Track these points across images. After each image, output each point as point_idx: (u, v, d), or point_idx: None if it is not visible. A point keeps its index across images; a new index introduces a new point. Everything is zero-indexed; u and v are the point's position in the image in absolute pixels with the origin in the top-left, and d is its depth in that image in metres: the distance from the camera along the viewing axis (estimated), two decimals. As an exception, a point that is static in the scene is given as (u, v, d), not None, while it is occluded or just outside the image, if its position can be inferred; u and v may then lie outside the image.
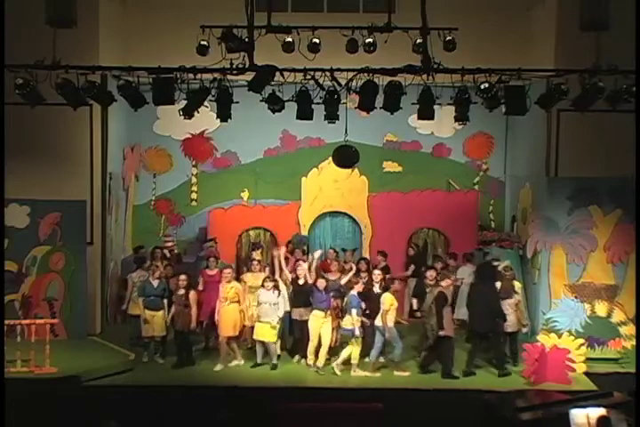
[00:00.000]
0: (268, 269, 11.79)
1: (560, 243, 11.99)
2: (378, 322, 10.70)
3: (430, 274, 11.35)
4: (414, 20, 10.36)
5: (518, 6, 14.18)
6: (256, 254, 12.42)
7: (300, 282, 11.20)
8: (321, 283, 10.87)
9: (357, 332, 10.59)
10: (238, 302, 11.11)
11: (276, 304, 10.89)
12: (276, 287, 10.95)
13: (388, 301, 10.66)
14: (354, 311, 10.59)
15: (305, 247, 13.27)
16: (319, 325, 10.79)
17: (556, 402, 8.59)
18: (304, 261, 11.72)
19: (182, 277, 11.08)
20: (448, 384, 10.43)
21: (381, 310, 10.66)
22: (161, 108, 12.07)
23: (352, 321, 10.61)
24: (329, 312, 10.80)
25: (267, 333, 10.88)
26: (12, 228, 12.12)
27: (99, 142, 12.81)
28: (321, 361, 10.78)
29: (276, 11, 11.17)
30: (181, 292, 11.00)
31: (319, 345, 10.81)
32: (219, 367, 10.97)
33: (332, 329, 10.89)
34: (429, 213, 14.31)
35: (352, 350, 10.65)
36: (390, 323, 10.65)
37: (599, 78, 10.01)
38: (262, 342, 11.02)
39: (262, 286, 10.97)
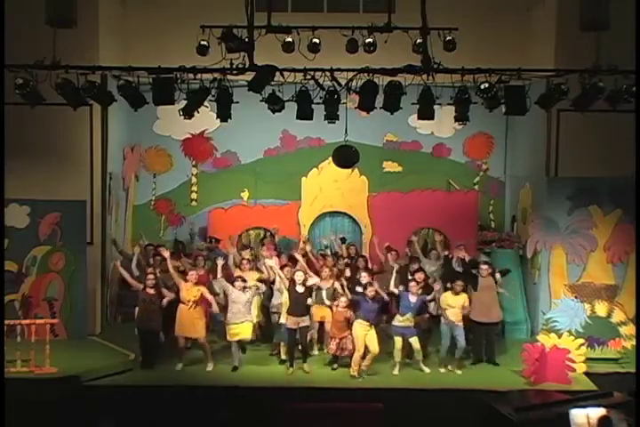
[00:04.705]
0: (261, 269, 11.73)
1: (560, 243, 12.02)
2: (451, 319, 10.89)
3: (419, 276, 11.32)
4: (414, 20, 10.34)
5: (518, 6, 14.18)
6: (245, 253, 12.39)
7: (299, 290, 10.82)
8: (370, 291, 10.62)
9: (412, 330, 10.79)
10: (202, 304, 10.95)
11: (248, 303, 10.83)
12: (246, 287, 10.84)
13: (443, 300, 10.94)
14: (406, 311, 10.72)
15: (292, 251, 13.21)
16: (363, 333, 10.57)
17: (556, 402, 8.60)
18: (291, 266, 11.60)
19: (150, 276, 10.99)
20: (448, 384, 10.44)
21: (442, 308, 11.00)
22: (161, 108, 12.05)
23: (403, 319, 10.73)
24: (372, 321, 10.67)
25: (243, 331, 10.79)
26: (12, 228, 12.11)
27: (99, 142, 12.80)
28: (366, 365, 10.67)
29: (275, 11, 11.15)
30: (152, 291, 10.91)
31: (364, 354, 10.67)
32: (179, 367, 10.93)
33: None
34: (429, 213, 14.31)
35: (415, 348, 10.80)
36: (446, 320, 10.92)
37: (599, 78, 10.01)
38: (238, 343, 10.89)
39: (232, 285, 10.85)
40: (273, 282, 11.51)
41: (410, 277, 11.30)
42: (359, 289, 11.03)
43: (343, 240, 13.42)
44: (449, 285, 11.23)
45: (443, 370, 10.96)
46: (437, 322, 11.25)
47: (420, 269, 11.44)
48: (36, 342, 10.40)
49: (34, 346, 10.34)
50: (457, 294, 10.91)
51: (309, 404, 8.69)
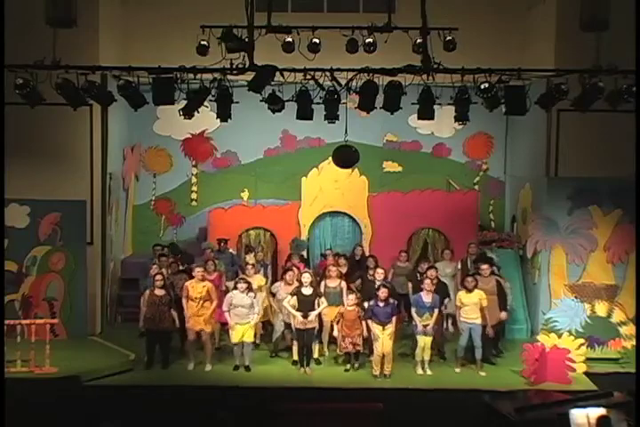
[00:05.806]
0: (265, 272, 11.73)
1: (560, 243, 12.02)
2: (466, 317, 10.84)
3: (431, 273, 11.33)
4: (414, 20, 10.34)
5: (518, 6, 14.22)
6: (249, 258, 12.36)
7: (306, 292, 10.75)
8: (383, 293, 10.55)
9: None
10: (210, 300, 10.95)
11: (251, 307, 10.76)
12: (250, 289, 10.79)
13: (457, 298, 10.91)
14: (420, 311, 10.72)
15: (304, 252, 13.22)
16: (381, 337, 10.55)
17: (556, 402, 8.57)
18: (306, 267, 11.62)
19: (158, 277, 11.00)
20: (448, 384, 10.44)
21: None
22: (161, 108, 12.06)
23: (423, 319, 10.70)
24: (390, 324, 10.62)
25: (246, 334, 10.76)
26: (12, 228, 12.11)
27: (99, 142, 12.80)
28: (388, 368, 10.66)
29: (275, 11, 11.13)
30: (161, 292, 10.90)
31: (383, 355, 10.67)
32: (191, 367, 10.92)
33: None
34: (429, 213, 14.29)
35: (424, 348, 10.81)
36: (462, 319, 10.83)
37: (599, 78, 10.01)
38: (241, 344, 10.87)
39: (235, 287, 10.80)
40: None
41: (420, 277, 11.30)
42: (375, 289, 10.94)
43: (345, 257, 13.32)
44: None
45: (458, 369, 10.94)
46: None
47: (432, 267, 11.44)
48: (36, 342, 10.40)
49: (34, 346, 10.34)
50: (470, 291, 10.81)
51: (309, 404, 8.69)
